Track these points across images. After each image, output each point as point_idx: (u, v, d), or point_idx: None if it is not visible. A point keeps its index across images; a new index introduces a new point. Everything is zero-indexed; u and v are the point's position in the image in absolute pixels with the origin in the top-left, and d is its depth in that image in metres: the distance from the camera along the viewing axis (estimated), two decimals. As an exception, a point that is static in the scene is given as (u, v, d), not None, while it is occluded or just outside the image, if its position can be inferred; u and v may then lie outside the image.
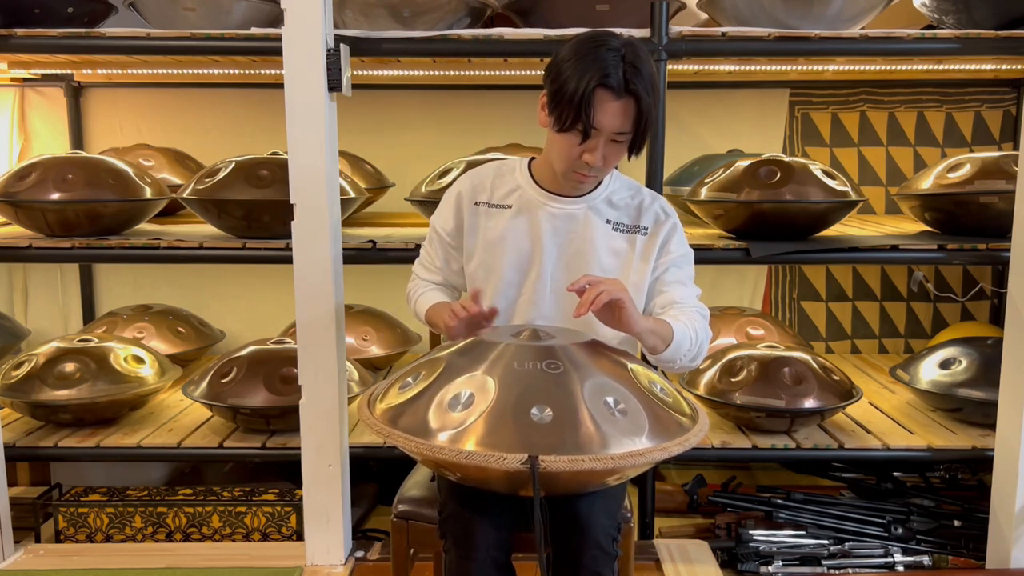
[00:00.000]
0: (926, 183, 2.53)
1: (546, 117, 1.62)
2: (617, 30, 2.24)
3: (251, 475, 2.98)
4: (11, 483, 2.78)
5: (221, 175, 2.44)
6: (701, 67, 2.93)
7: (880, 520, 2.47)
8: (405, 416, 1.38)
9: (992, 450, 2.30)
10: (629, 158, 1.62)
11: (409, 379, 1.46)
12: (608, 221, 1.72)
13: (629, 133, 1.57)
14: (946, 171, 2.51)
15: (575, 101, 1.52)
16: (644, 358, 2.38)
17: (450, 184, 1.87)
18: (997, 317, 3.25)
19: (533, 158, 1.79)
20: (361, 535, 2.62)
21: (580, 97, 1.52)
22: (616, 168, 1.77)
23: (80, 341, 2.63)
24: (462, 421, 1.32)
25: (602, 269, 1.70)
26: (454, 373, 1.41)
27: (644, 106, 1.54)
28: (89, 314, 3.37)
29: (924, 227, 2.69)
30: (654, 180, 2.31)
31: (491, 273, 1.75)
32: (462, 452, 1.28)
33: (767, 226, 2.41)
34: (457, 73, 3.06)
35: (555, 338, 1.50)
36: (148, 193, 2.52)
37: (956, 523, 2.51)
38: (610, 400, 1.36)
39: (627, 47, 1.55)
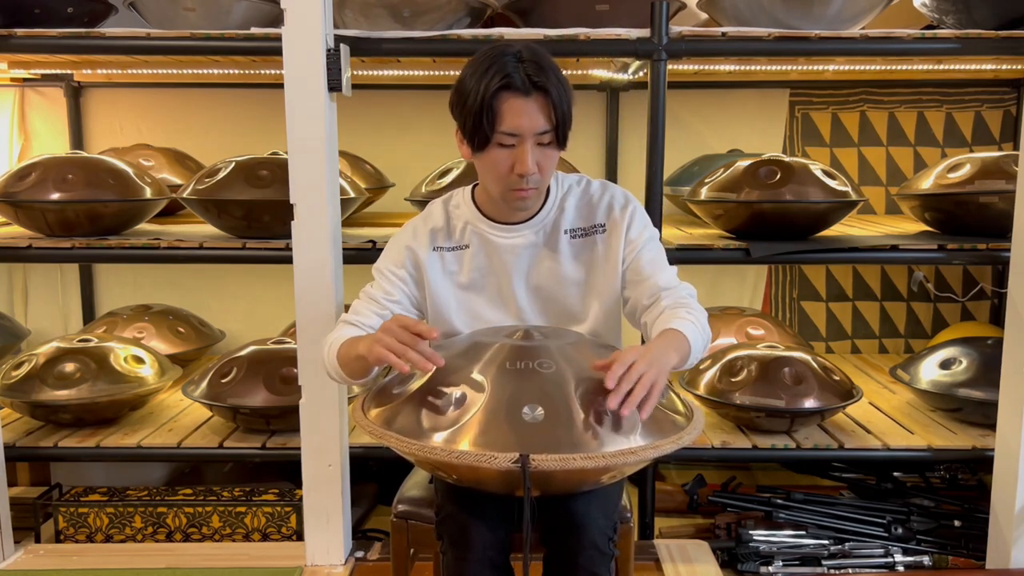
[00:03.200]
0: (926, 183, 2.53)
1: (465, 148, 1.55)
2: (615, 30, 2.27)
3: (251, 475, 2.98)
4: (11, 483, 2.78)
5: (221, 175, 2.44)
6: (701, 67, 2.93)
7: (880, 520, 2.47)
8: (399, 417, 1.38)
9: (992, 450, 2.30)
10: (556, 151, 1.54)
11: (403, 380, 1.46)
12: (566, 231, 1.65)
13: (550, 131, 1.50)
14: (946, 171, 2.51)
15: (482, 113, 1.46)
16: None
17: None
18: (997, 317, 3.24)
19: (475, 185, 1.69)
20: (361, 535, 2.62)
21: (484, 107, 1.46)
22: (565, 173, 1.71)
23: (80, 341, 2.63)
24: (454, 421, 1.32)
25: (573, 283, 1.66)
26: (447, 373, 1.41)
27: (555, 98, 1.47)
28: (89, 314, 3.37)
29: (924, 227, 2.68)
30: (654, 180, 2.30)
31: (469, 316, 1.68)
32: (454, 452, 1.28)
33: (767, 226, 2.41)
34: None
35: (548, 338, 1.50)
36: (148, 193, 2.53)
37: (956, 523, 2.51)
38: (603, 398, 1.35)
39: (524, 49, 1.49)
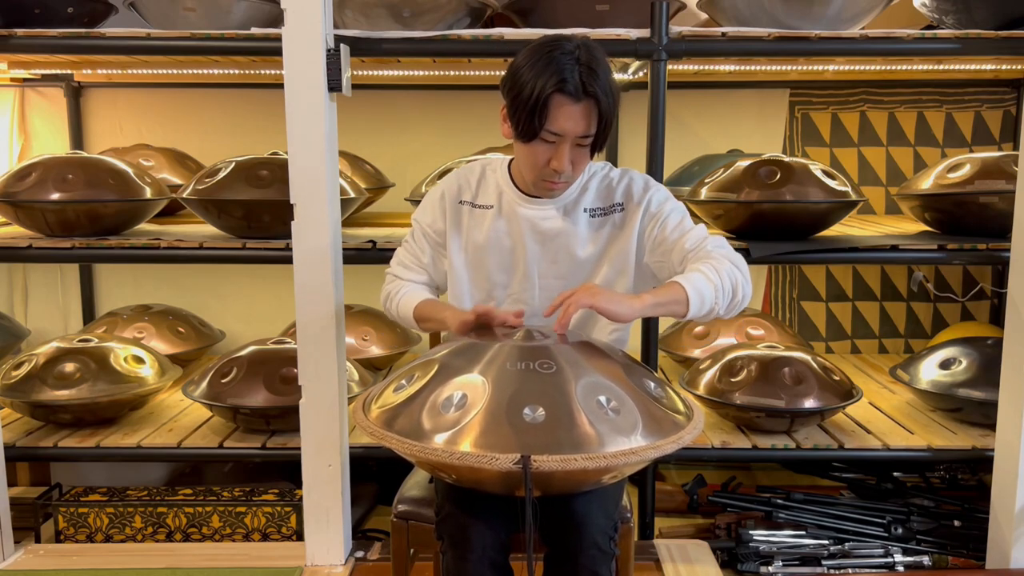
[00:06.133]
0: (926, 183, 2.53)
1: (508, 128, 1.62)
2: (615, 30, 2.27)
3: (251, 475, 2.98)
4: (11, 483, 2.79)
5: (221, 175, 2.44)
6: (701, 67, 2.93)
7: (880, 520, 2.47)
8: (399, 418, 1.38)
9: (992, 450, 2.30)
10: (591, 156, 1.62)
11: (403, 381, 1.46)
12: (585, 210, 1.72)
13: (592, 135, 1.57)
14: (946, 171, 2.51)
15: (534, 109, 1.52)
16: (645, 350, 2.38)
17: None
18: (997, 317, 3.24)
19: (512, 158, 1.78)
20: (361, 535, 2.62)
21: (538, 104, 1.52)
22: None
23: (80, 341, 2.63)
24: (455, 422, 1.32)
25: (587, 260, 1.72)
26: (448, 374, 1.41)
27: (604, 107, 1.54)
28: (89, 314, 3.37)
29: (924, 227, 2.68)
30: (654, 180, 2.30)
31: (477, 273, 1.77)
32: (455, 453, 1.28)
33: (767, 226, 2.41)
34: (457, 73, 3.06)
35: (548, 338, 1.50)
36: (148, 193, 2.53)
37: (956, 523, 2.51)
38: (603, 399, 1.36)
39: (581, 49, 1.54)
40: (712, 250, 1.60)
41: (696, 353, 2.93)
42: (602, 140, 1.59)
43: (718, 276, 1.54)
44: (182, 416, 2.69)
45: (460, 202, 1.78)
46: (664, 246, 1.68)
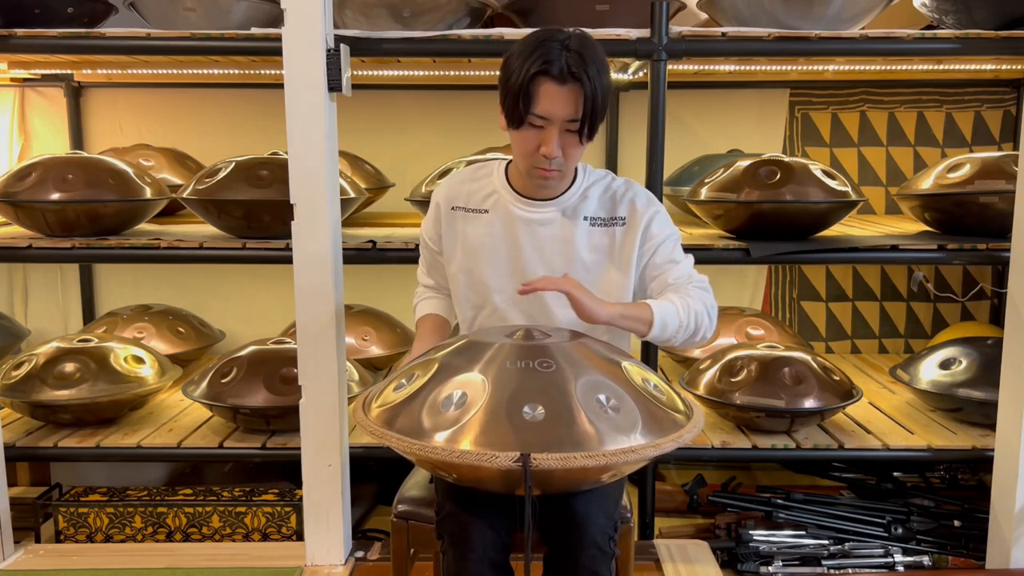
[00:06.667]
0: (926, 183, 2.53)
1: (504, 121, 1.63)
2: (615, 30, 2.27)
3: (251, 475, 2.98)
4: (11, 483, 2.79)
5: (221, 175, 2.44)
6: (701, 67, 2.93)
7: (880, 520, 2.47)
8: (400, 417, 1.38)
9: (992, 450, 2.30)
10: (581, 142, 1.60)
11: (403, 380, 1.47)
12: (586, 218, 1.71)
13: (579, 119, 1.56)
14: (946, 171, 2.51)
15: (519, 93, 1.54)
16: (645, 350, 2.39)
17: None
18: (997, 317, 3.25)
19: (511, 161, 1.77)
20: (361, 535, 2.62)
21: (522, 87, 1.53)
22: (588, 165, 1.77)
23: (80, 341, 2.63)
24: (455, 421, 1.33)
25: (584, 267, 1.70)
26: (448, 373, 1.42)
27: (589, 90, 1.53)
28: (89, 314, 3.37)
29: (924, 227, 2.68)
30: (654, 180, 2.30)
31: (473, 279, 1.76)
32: (455, 452, 1.28)
33: (767, 226, 2.41)
34: (457, 73, 3.06)
35: (548, 337, 1.50)
36: (148, 193, 2.53)
37: (956, 523, 2.51)
38: (602, 397, 1.36)
39: (573, 38, 1.56)
40: (691, 290, 1.65)
41: (696, 353, 2.93)
42: (591, 126, 1.57)
43: (686, 312, 1.60)
44: (182, 416, 2.69)
45: (453, 208, 1.77)
46: (649, 271, 1.71)
